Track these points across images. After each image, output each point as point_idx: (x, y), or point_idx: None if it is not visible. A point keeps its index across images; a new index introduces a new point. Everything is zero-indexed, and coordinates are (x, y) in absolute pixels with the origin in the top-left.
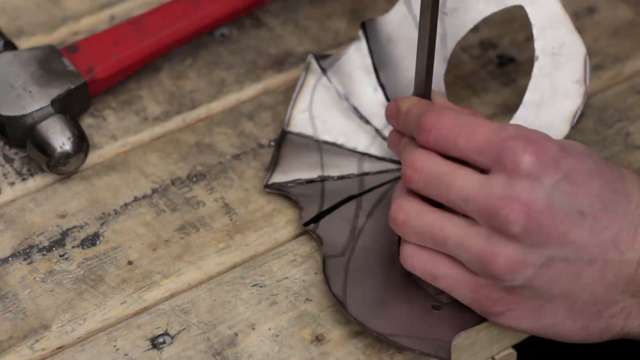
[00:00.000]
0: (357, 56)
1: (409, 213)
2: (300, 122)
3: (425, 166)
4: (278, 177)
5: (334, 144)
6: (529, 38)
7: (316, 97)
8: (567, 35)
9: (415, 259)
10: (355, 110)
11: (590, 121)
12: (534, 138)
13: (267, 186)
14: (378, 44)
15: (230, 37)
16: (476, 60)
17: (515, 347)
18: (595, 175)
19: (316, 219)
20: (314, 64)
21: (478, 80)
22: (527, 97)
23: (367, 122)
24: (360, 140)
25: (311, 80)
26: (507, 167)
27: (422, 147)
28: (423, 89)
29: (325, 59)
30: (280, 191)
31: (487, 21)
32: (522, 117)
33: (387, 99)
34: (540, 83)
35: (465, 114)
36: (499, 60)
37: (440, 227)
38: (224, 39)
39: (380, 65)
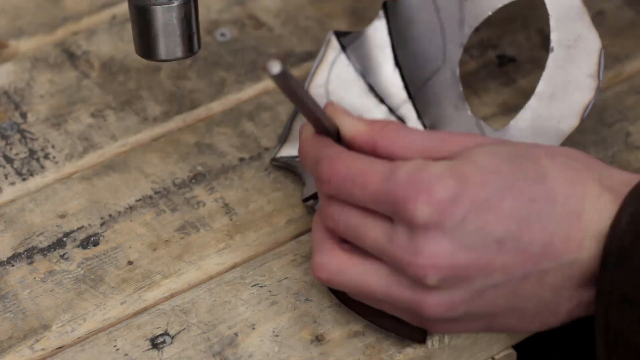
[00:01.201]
0: (377, 35)
1: (330, 270)
2: (316, 97)
3: (340, 219)
4: (286, 151)
5: None
6: (529, 38)
7: (334, 73)
8: (583, 29)
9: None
10: (371, 89)
11: (590, 121)
12: (424, 183)
13: (274, 159)
14: (398, 24)
15: (230, 37)
16: (476, 60)
17: (515, 347)
18: (505, 194)
19: (317, 195)
20: (334, 41)
21: (478, 80)
22: (540, 88)
23: (382, 101)
24: (373, 118)
25: (330, 56)
26: (404, 220)
27: (328, 197)
28: (313, 124)
29: (345, 36)
30: (286, 165)
31: (487, 21)
32: (533, 107)
33: (404, 79)
34: (554, 75)
35: (358, 157)
36: (499, 60)
37: (364, 281)
38: (224, 39)
39: (399, 45)
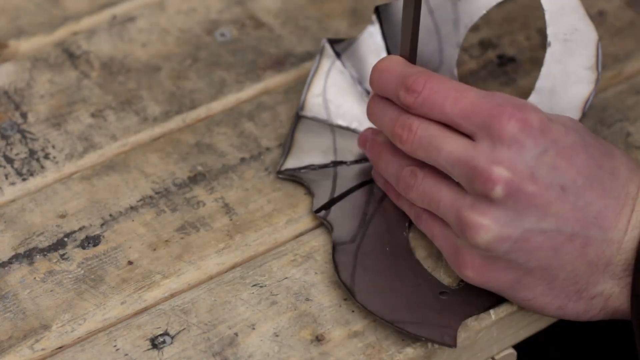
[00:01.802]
0: (371, 40)
1: (418, 176)
2: (314, 106)
3: (420, 129)
4: (291, 163)
5: (347, 129)
6: (529, 38)
7: (330, 81)
8: (579, 22)
9: (422, 218)
10: (369, 95)
11: (590, 121)
12: (520, 107)
13: (280, 172)
14: (392, 28)
15: (230, 37)
16: (476, 60)
17: (515, 347)
18: (580, 150)
19: (327, 206)
20: (328, 49)
21: (478, 80)
22: (539, 83)
23: None
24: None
25: (325, 64)
26: (492, 134)
27: (407, 107)
28: (408, 54)
29: (339, 43)
30: (293, 177)
31: (487, 21)
32: (534, 103)
33: None
34: (552, 69)
35: (453, 80)
36: (499, 60)
37: (437, 189)
38: (224, 39)
39: (393, 49)
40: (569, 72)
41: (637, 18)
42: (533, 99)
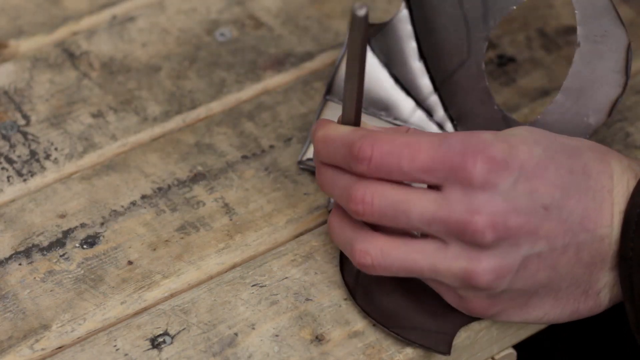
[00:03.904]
0: (400, 26)
1: (374, 255)
2: (342, 90)
3: (376, 198)
4: (312, 152)
5: (373, 115)
6: (529, 38)
7: None
8: (610, 24)
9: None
10: (397, 81)
11: None
12: (479, 145)
13: (300, 162)
14: (421, 15)
15: (230, 37)
16: None
17: (515, 347)
18: (548, 163)
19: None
20: None
21: None
22: (567, 83)
23: (408, 93)
24: (400, 111)
25: None
26: (460, 182)
27: (361, 175)
28: (353, 118)
29: (369, 27)
30: (313, 168)
31: None
32: (560, 103)
33: (428, 70)
34: (581, 70)
35: (400, 133)
36: (499, 60)
37: (412, 261)
38: (224, 39)
39: (423, 36)
40: (597, 74)
41: (637, 18)
42: (560, 98)
